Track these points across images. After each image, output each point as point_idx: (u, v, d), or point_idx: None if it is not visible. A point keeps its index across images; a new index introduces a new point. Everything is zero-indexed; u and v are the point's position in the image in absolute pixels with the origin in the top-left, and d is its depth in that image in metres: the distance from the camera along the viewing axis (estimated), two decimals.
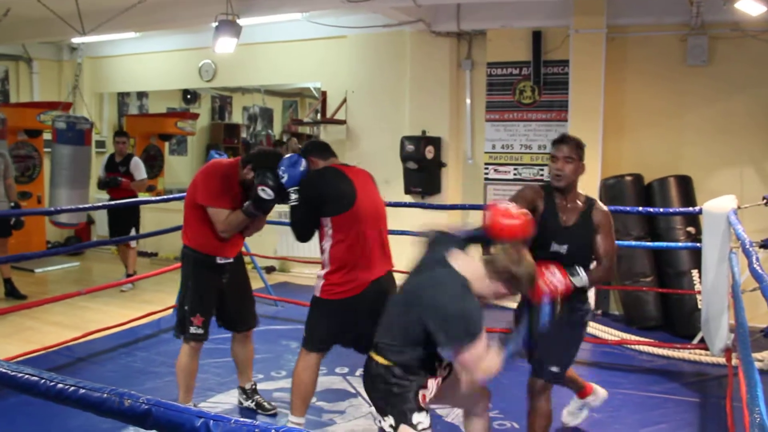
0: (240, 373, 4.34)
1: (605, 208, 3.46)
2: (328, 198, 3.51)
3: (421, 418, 2.69)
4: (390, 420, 2.72)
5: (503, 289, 2.70)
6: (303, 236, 3.62)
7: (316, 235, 3.65)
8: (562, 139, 3.40)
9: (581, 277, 3.22)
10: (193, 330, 3.97)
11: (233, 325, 4.25)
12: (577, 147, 3.38)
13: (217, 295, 4.06)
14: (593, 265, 3.40)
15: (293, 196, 3.57)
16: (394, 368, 2.73)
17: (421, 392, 2.73)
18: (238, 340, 4.27)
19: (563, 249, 3.32)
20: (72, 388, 1.38)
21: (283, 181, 3.60)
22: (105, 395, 1.35)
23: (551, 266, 3.13)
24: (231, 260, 4.05)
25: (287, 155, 3.70)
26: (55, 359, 5.09)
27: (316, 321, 3.63)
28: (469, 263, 2.75)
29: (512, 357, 2.81)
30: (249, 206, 3.80)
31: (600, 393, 4.05)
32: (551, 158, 3.40)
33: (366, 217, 3.54)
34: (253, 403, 4.29)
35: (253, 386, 4.35)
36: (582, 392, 4.02)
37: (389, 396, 2.73)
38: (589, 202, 3.43)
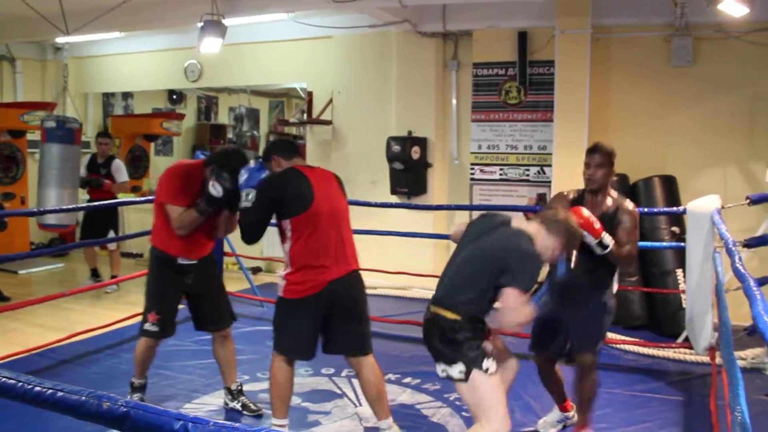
0: (223, 373, 4.31)
1: (632, 207, 3.83)
2: (287, 199, 3.52)
3: (489, 364, 3.05)
4: (460, 366, 3.04)
5: (558, 246, 3.13)
6: (253, 237, 3.61)
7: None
8: (594, 149, 3.83)
9: (607, 241, 3.58)
10: (147, 326, 4.07)
11: (207, 326, 4.25)
12: (608, 155, 3.83)
13: (178, 295, 4.10)
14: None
15: (248, 197, 3.59)
16: (464, 322, 3.08)
17: (485, 342, 3.11)
18: (217, 340, 4.26)
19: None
20: (50, 391, 1.37)
21: (241, 180, 3.64)
22: (83, 398, 1.33)
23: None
24: (194, 262, 4.06)
25: (253, 161, 3.74)
26: (38, 361, 5.05)
27: (281, 321, 3.66)
28: (529, 224, 3.19)
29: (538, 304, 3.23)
30: (201, 203, 3.84)
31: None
32: (585, 165, 3.83)
33: (324, 217, 3.53)
34: (239, 404, 4.27)
35: (239, 387, 4.33)
36: (563, 406, 4.08)
37: (460, 346, 3.06)
38: (617, 202, 3.83)
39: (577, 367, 3.79)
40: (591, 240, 3.52)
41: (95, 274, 7.85)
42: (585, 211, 3.57)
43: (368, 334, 3.70)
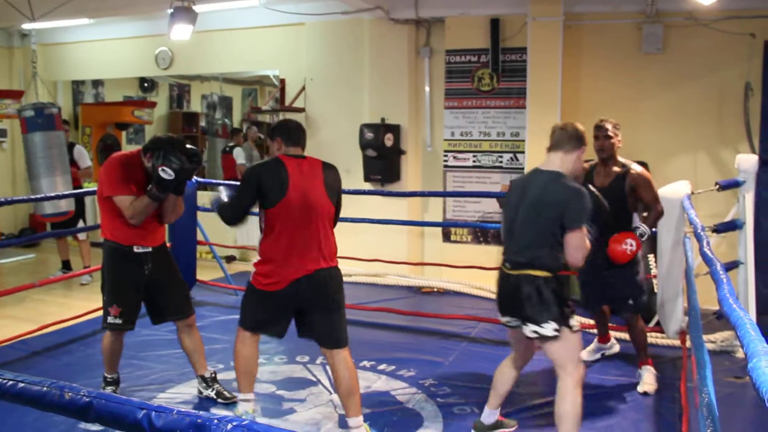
0: (194, 363, 4.29)
1: (639, 169, 4.45)
2: (263, 189, 3.50)
3: (574, 321, 3.34)
4: (553, 325, 3.28)
5: (581, 153, 3.54)
6: (233, 222, 3.67)
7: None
8: (601, 125, 4.53)
9: (643, 230, 4.37)
10: (110, 320, 4.02)
11: (170, 316, 4.21)
12: (614, 127, 4.53)
13: (138, 286, 4.05)
14: (644, 214, 4.50)
15: (225, 193, 3.67)
16: (553, 277, 3.33)
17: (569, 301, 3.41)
18: (183, 330, 4.24)
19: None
20: (10, 382, 1.34)
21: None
22: (45, 389, 1.31)
23: (627, 238, 4.27)
24: (149, 249, 4.04)
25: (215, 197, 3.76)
26: (8, 353, 4.98)
27: (246, 303, 3.71)
28: (552, 159, 3.49)
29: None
30: (152, 188, 3.83)
31: (615, 347, 5.06)
32: (595, 137, 4.49)
33: (296, 212, 3.48)
34: (213, 391, 4.25)
35: (213, 375, 4.31)
36: (602, 339, 5.00)
37: (553, 303, 3.30)
38: (625, 167, 4.44)
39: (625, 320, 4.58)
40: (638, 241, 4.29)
41: (66, 265, 7.75)
42: (617, 252, 4.27)
43: (340, 328, 3.63)
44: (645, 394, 4.41)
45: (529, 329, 3.33)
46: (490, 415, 3.78)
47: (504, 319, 3.55)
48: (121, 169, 3.93)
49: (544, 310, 3.28)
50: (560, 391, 3.34)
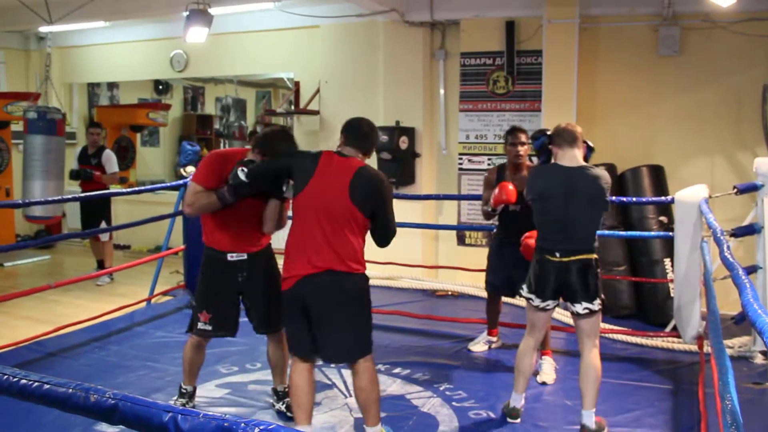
0: (274, 375, 4.15)
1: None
2: (291, 173, 3.48)
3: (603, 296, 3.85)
4: (598, 300, 3.77)
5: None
6: (250, 177, 3.54)
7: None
8: (519, 134, 4.85)
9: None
10: (200, 326, 3.90)
11: (260, 328, 4.03)
12: (526, 136, 4.89)
13: (231, 294, 3.91)
14: None
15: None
16: (598, 259, 3.83)
17: None
18: (271, 342, 4.07)
19: (518, 208, 4.64)
20: (36, 383, 1.34)
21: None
22: (70, 390, 1.31)
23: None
24: (245, 257, 3.85)
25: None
26: (25, 354, 5.00)
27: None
28: (570, 153, 3.85)
29: None
30: (221, 188, 3.66)
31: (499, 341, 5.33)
32: (512, 144, 4.83)
33: (310, 210, 3.36)
34: (284, 405, 4.08)
35: (286, 389, 4.08)
36: (491, 332, 5.33)
37: (599, 281, 3.79)
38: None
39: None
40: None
41: (101, 265, 7.76)
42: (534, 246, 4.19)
43: (351, 341, 3.44)
44: (544, 384, 4.62)
45: (582, 307, 3.76)
46: (519, 399, 4.00)
47: (543, 304, 3.88)
48: (212, 161, 3.82)
49: (596, 288, 3.76)
50: (591, 358, 3.80)
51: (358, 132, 3.59)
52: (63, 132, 7.04)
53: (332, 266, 3.33)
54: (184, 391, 4.11)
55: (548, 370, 4.75)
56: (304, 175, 3.40)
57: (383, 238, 3.51)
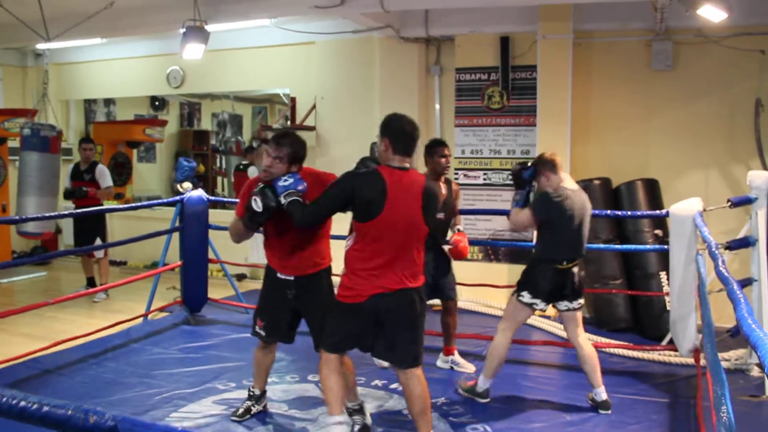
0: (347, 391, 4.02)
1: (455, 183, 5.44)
2: (358, 202, 3.37)
3: None
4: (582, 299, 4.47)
5: None
6: (308, 221, 3.54)
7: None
8: (444, 146, 5.10)
9: (463, 229, 5.30)
10: (257, 329, 4.08)
11: (317, 344, 3.98)
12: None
13: (282, 307, 3.97)
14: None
15: (285, 201, 3.53)
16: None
17: None
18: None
19: (442, 215, 4.90)
20: (35, 405, 1.34)
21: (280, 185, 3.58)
22: (69, 412, 1.31)
23: (464, 237, 5.11)
24: (291, 278, 3.90)
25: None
26: (22, 371, 4.98)
27: (329, 322, 3.61)
28: (561, 178, 4.40)
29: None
30: (245, 216, 3.76)
31: (467, 367, 5.24)
32: (442, 156, 5.01)
33: (389, 231, 3.37)
34: (355, 424, 3.96)
35: (355, 407, 3.99)
36: (448, 349, 5.33)
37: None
38: (448, 180, 5.20)
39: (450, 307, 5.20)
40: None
41: (91, 282, 7.77)
42: (466, 248, 5.04)
43: (418, 347, 3.56)
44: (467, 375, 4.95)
45: (578, 302, 4.42)
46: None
47: (544, 306, 4.46)
48: (243, 191, 3.92)
49: (582, 285, 4.44)
50: (588, 345, 4.51)
51: (408, 138, 3.49)
52: (57, 149, 7.03)
53: (408, 284, 3.46)
54: (251, 393, 4.29)
55: (463, 363, 5.26)
56: (376, 200, 3.34)
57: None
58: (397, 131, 3.48)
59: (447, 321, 5.23)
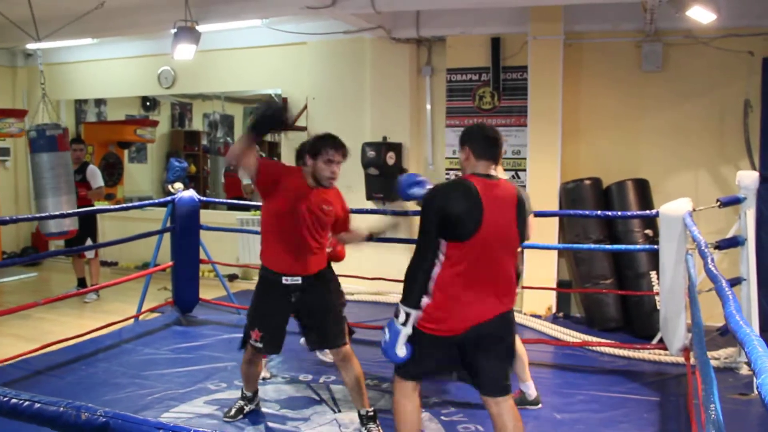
0: (353, 398, 4.04)
1: None
2: (450, 221, 3.01)
3: None
4: None
5: None
6: (420, 264, 3.10)
7: None
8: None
9: None
10: (252, 342, 3.94)
11: (313, 344, 4.09)
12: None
13: (283, 315, 3.94)
14: None
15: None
16: None
17: None
18: (337, 363, 4.02)
19: None
20: (26, 402, 1.35)
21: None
22: (61, 409, 1.32)
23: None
24: (299, 280, 3.85)
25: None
26: (11, 372, 4.96)
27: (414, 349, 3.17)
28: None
29: None
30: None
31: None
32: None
33: (488, 248, 3.04)
34: (366, 430, 3.96)
35: (368, 413, 3.96)
36: None
37: None
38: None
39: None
40: None
41: (81, 283, 7.74)
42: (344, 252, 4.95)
43: (508, 375, 3.20)
44: (264, 380, 4.77)
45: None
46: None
47: None
48: (278, 166, 4.01)
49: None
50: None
51: (490, 143, 3.20)
52: (66, 146, 7.00)
53: (502, 309, 3.14)
54: (245, 395, 4.28)
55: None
56: (470, 216, 2.99)
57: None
58: (478, 136, 3.21)
59: None
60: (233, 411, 4.24)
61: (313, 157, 3.79)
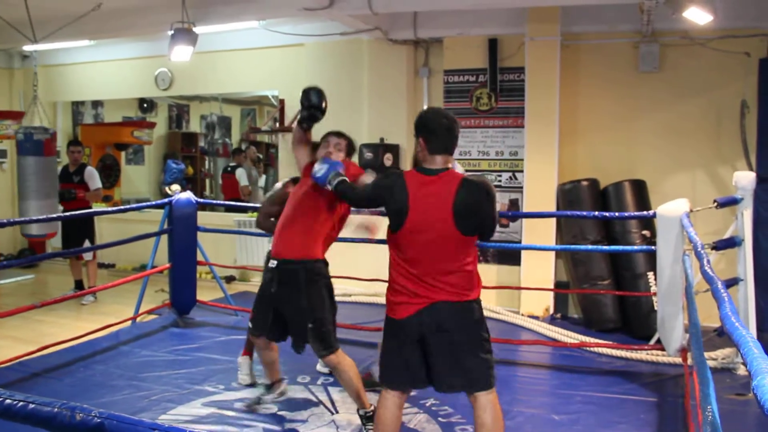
0: (351, 398, 4.02)
1: None
2: (388, 210, 3.14)
3: None
4: None
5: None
6: (355, 201, 3.52)
7: None
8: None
9: None
10: (249, 322, 4.12)
11: (295, 345, 3.97)
12: None
13: (267, 302, 3.91)
14: None
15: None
16: None
17: None
18: (329, 366, 3.97)
19: None
20: (21, 403, 1.34)
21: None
22: (56, 410, 1.31)
23: None
24: (275, 263, 3.82)
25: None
26: (8, 375, 4.95)
27: (382, 343, 3.27)
28: None
29: None
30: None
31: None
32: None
33: (412, 242, 3.08)
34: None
35: (367, 413, 3.90)
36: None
37: None
38: None
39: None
40: None
41: (79, 285, 7.73)
42: None
43: (475, 368, 3.10)
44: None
45: None
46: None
47: None
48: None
49: None
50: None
51: (443, 133, 3.13)
52: (52, 151, 7.01)
53: (440, 297, 3.09)
54: (269, 384, 4.40)
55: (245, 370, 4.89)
56: (398, 210, 3.09)
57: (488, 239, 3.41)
58: (431, 125, 3.15)
59: None
60: (253, 401, 4.43)
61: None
